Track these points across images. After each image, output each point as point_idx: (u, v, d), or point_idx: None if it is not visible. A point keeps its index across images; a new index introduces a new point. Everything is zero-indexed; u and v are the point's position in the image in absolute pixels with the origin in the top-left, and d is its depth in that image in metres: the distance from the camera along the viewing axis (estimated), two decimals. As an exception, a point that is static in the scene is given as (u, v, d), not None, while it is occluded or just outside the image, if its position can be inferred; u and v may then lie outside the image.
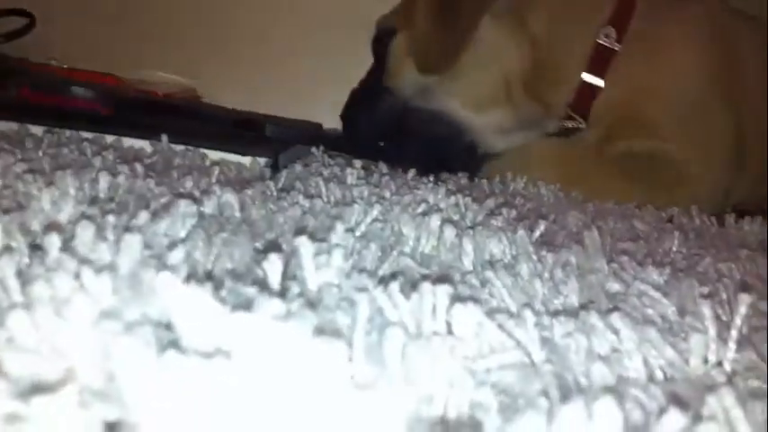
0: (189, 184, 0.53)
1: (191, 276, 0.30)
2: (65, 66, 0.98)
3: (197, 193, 0.51)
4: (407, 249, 0.44)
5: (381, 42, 0.84)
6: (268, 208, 0.49)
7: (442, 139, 0.78)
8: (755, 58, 0.79)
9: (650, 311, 0.36)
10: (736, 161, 0.77)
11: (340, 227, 0.40)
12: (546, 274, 0.41)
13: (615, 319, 0.31)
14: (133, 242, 0.29)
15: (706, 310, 0.31)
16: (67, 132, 0.67)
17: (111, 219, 0.34)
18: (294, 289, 0.30)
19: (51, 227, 0.35)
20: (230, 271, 0.33)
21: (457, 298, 0.30)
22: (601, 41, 0.75)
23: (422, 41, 0.76)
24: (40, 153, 0.55)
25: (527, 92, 0.78)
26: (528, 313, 0.31)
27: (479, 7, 0.74)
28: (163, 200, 0.46)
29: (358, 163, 0.65)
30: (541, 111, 0.79)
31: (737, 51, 0.78)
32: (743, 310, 0.31)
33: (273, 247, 0.38)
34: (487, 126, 0.80)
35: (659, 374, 0.30)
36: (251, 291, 0.27)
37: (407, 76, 0.81)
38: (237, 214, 0.47)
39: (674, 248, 0.53)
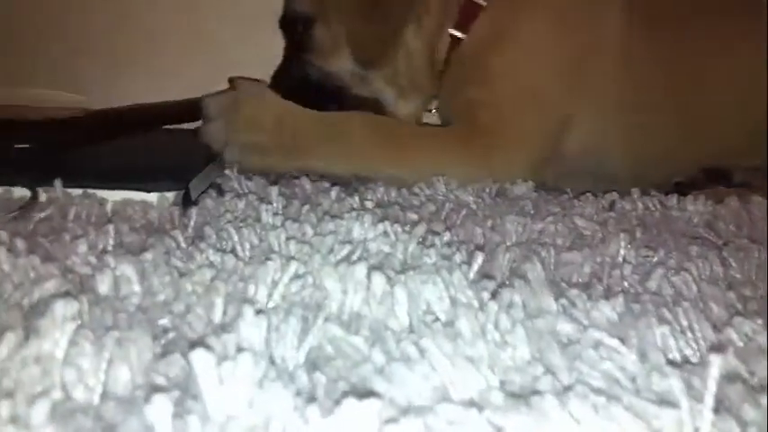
0: (83, 249, 0.47)
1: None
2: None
3: (92, 261, 0.46)
4: (334, 308, 0.39)
5: (296, 28, 0.82)
6: (173, 272, 0.43)
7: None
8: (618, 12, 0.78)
9: (609, 365, 0.32)
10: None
11: (249, 312, 0.34)
12: (489, 326, 0.36)
13: (574, 405, 0.27)
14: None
15: (675, 381, 0.27)
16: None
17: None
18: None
19: None
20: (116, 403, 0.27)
21: (388, 419, 0.25)
22: None
23: (358, 38, 0.77)
24: None
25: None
26: (474, 413, 0.27)
27: (408, 3, 0.77)
28: (47, 285, 0.40)
29: (274, 191, 0.59)
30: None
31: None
32: (715, 373, 0.27)
33: (173, 352, 0.32)
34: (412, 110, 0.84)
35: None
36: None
37: (342, 66, 0.81)
38: (137, 288, 0.41)
39: (622, 252, 0.50)
